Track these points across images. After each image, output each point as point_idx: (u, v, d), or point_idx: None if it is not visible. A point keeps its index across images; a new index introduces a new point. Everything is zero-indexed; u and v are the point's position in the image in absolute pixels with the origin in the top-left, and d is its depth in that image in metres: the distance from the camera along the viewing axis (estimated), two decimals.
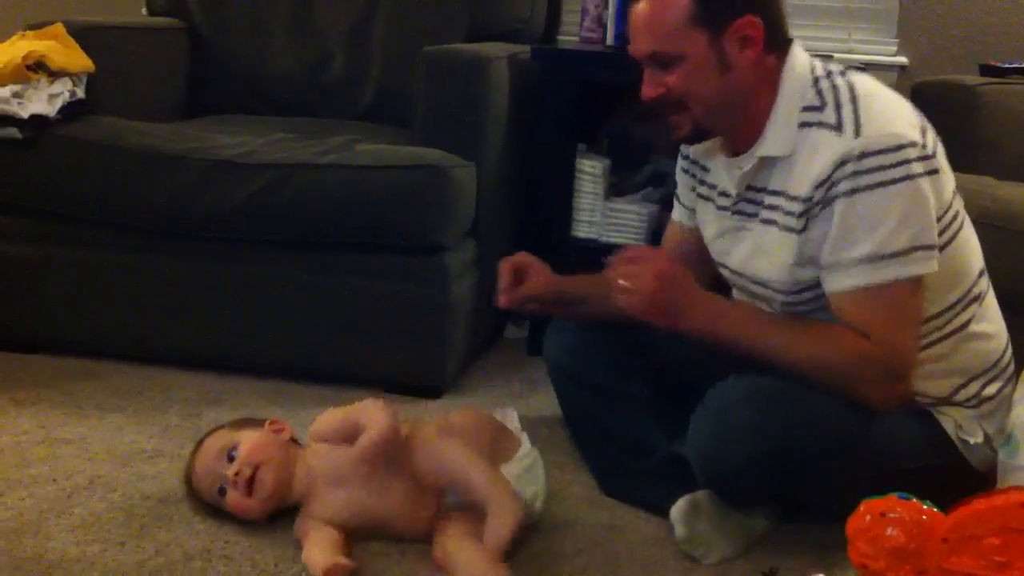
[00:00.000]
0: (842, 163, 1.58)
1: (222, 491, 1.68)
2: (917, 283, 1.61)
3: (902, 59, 3.03)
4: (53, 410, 2.12)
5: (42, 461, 1.89)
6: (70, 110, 2.37)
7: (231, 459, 1.68)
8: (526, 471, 1.74)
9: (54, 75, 2.36)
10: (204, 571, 1.56)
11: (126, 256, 2.38)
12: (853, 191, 1.57)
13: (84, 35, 2.49)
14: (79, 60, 2.43)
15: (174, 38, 2.92)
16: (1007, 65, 2.66)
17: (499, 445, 1.78)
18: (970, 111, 2.46)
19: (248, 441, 1.70)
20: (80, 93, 2.42)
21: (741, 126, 1.70)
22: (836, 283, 1.62)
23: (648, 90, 1.69)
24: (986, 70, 2.66)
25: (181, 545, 1.63)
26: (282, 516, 1.70)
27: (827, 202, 1.60)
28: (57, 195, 2.35)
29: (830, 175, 1.59)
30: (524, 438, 1.83)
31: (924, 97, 2.47)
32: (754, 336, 1.68)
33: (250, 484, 1.66)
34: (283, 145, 2.32)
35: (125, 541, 1.63)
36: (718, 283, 1.89)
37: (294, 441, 1.78)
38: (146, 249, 2.36)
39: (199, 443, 1.76)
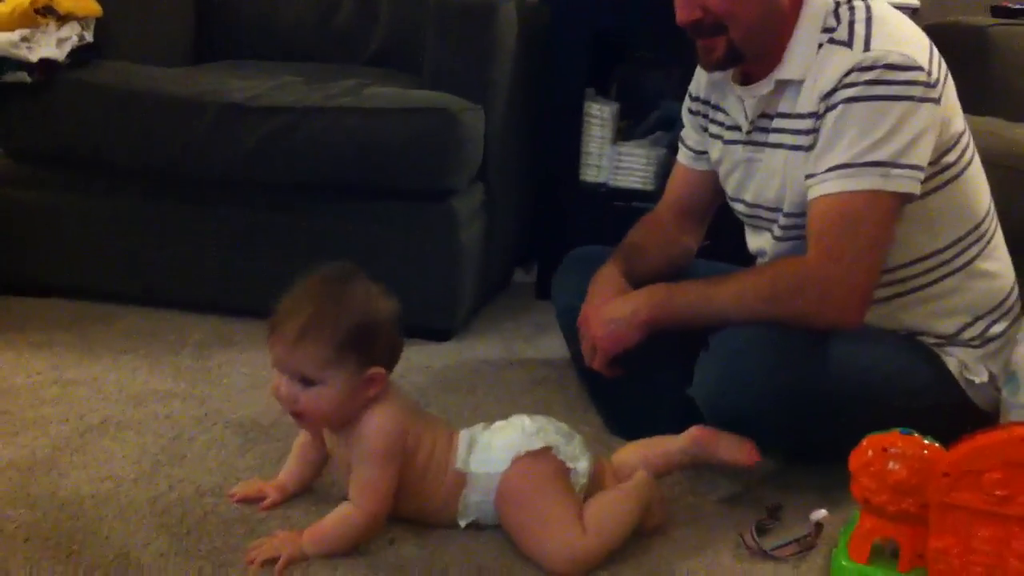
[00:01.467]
0: (847, 73, 1.58)
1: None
2: (889, 201, 1.58)
3: (914, 1, 3.00)
4: (66, 352, 2.15)
5: (55, 401, 1.91)
6: (79, 54, 2.37)
7: (305, 383, 1.46)
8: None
9: (62, 19, 2.36)
10: (216, 507, 1.58)
11: (138, 200, 2.39)
12: (850, 100, 1.58)
13: None
14: (87, 4, 2.42)
15: None
16: (1019, 7, 2.64)
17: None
18: (981, 53, 2.45)
19: (321, 396, 1.46)
20: (88, 37, 2.42)
21: (767, 50, 1.70)
22: (811, 193, 1.62)
23: (684, 13, 1.67)
24: (998, 11, 2.65)
25: (194, 482, 1.65)
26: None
27: (828, 111, 1.61)
28: (68, 140, 2.36)
29: (835, 86, 1.59)
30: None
31: (935, 39, 2.42)
32: (705, 294, 1.68)
33: (294, 414, 1.51)
34: (293, 88, 2.32)
35: (138, 478, 1.65)
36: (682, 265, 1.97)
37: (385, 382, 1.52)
38: (158, 193, 2.38)
39: (289, 310, 1.47)
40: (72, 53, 2.35)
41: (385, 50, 2.87)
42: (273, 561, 1.43)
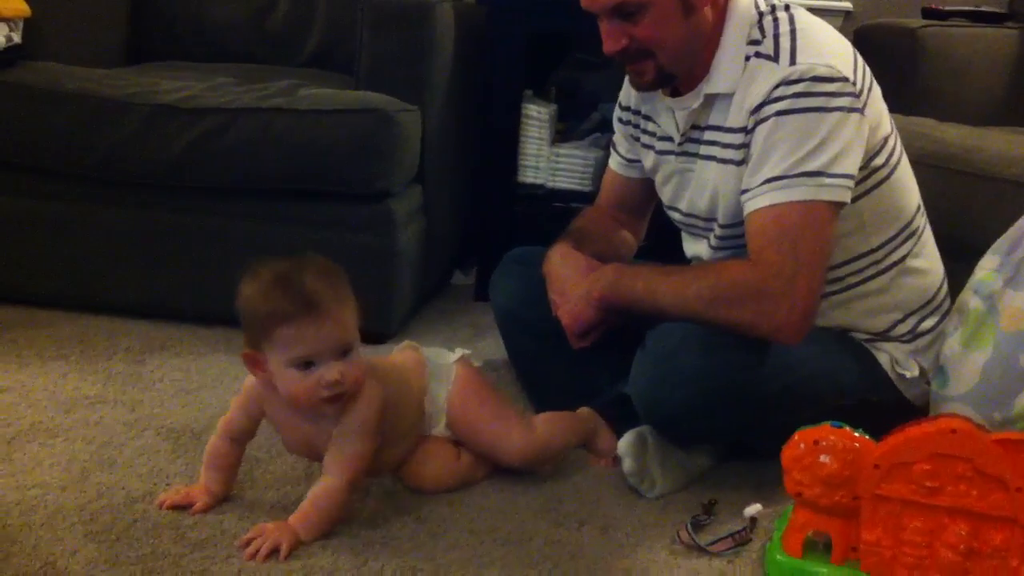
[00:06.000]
0: (775, 87, 1.59)
1: (307, 365, 1.47)
2: (824, 210, 1.59)
3: (847, 4, 3.03)
4: None
5: None
6: (6, 55, 2.32)
7: (344, 354, 1.48)
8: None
9: None
10: (145, 513, 1.55)
11: (68, 203, 2.34)
12: (779, 113, 1.59)
13: None
14: (14, 4, 2.38)
15: None
16: (949, 8, 2.68)
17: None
18: (912, 54, 2.49)
19: (361, 359, 1.51)
20: (16, 38, 2.37)
21: (694, 65, 1.70)
22: (747, 208, 1.63)
23: (610, 44, 1.66)
24: (928, 13, 2.68)
25: (124, 488, 1.62)
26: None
27: (757, 125, 1.61)
28: None
29: (763, 100, 1.60)
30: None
31: (866, 40, 2.49)
32: (650, 286, 1.67)
33: (336, 397, 1.49)
34: (225, 90, 2.29)
35: (66, 486, 1.62)
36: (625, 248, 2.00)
37: None
38: (89, 196, 2.33)
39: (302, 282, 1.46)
40: None
41: (321, 51, 2.86)
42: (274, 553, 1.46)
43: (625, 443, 1.70)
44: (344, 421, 1.52)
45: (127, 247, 2.34)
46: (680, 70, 1.70)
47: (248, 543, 1.47)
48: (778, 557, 1.44)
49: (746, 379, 1.63)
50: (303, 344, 1.46)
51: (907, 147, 1.79)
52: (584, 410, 1.83)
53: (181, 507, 1.56)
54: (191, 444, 1.78)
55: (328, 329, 1.46)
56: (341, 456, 1.52)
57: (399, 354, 1.75)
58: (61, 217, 2.35)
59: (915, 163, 1.80)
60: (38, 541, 1.46)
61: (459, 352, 1.75)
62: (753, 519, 1.56)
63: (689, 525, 1.56)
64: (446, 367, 1.71)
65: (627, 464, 1.69)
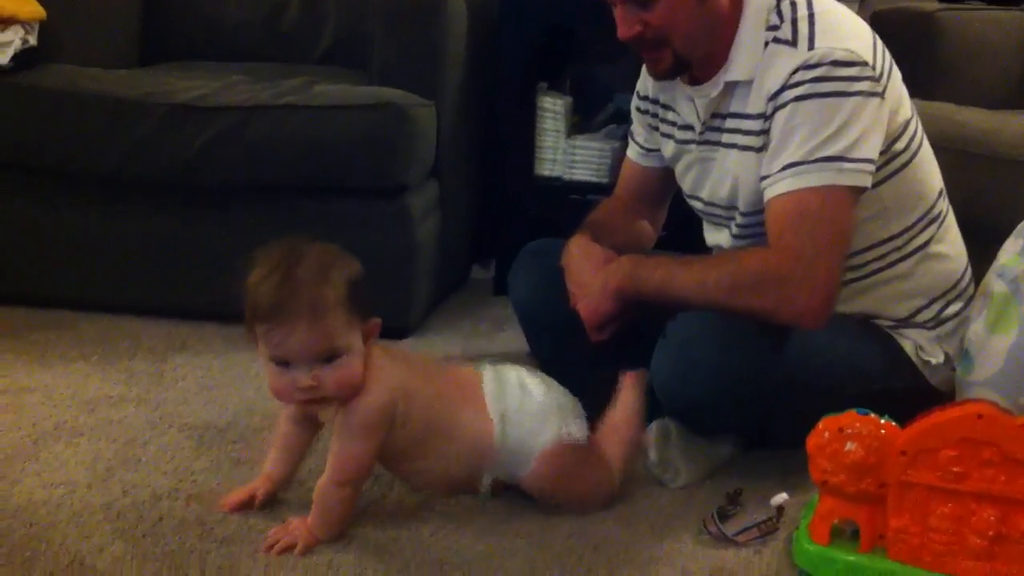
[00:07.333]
0: (793, 72, 1.58)
1: (285, 363, 1.42)
2: (844, 195, 1.57)
3: None
4: (17, 360, 2.11)
5: (6, 410, 1.88)
6: (22, 58, 2.33)
7: (329, 360, 1.41)
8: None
9: (4, 23, 2.32)
10: (171, 510, 1.55)
11: (87, 205, 2.36)
12: (798, 98, 1.57)
13: None
14: (30, 7, 2.39)
15: None
16: None
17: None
18: (929, 37, 2.48)
19: (351, 364, 1.43)
20: (32, 41, 2.38)
21: (712, 53, 1.69)
22: (766, 194, 1.62)
23: (625, 30, 1.66)
24: None
25: (149, 485, 1.63)
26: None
27: (776, 111, 1.60)
28: (14, 145, 2.32)
29: (782, 85, 1.59)
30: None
31: (883, 24, 2.47)
32: (669, 275, 1.66)
33: (316, 400, 1.45)
34: (240, 88, 2.30)
35: (92, 483, 1.63)
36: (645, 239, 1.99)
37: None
38: (107, 198, 2.35)
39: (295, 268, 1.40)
40: (15, 57, 2.31)
41: (335, 48, 2.85)
42: (290, 548, 1.45)
43: (649, 434, 1.69)
44: (342, 418, 1.47)
45: (146, 247, 2.36)
46: (695, 56, 1.69)
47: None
48: (806, 545, 1.43)
49: (767, 369, 1.62)
50: (273, 346, 1.41)
51: (926, 131, 1.77)
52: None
53: (248, 506, 1.56)
54: (214, 441, 1.78)
55: (299, 337, 1.39)
56: (336, 453, 1.48)
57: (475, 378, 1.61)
58: (80, 219, 2.36)
59: (934, 147, 1.79)
60: (65, 539, 1.47)
61: (553, 431, 1.57)
62: (780, 508, 1.56)
63: (715, 515, 1.55)
64: (525, 453, 1.56)
65: (651, 454, 1.69)
